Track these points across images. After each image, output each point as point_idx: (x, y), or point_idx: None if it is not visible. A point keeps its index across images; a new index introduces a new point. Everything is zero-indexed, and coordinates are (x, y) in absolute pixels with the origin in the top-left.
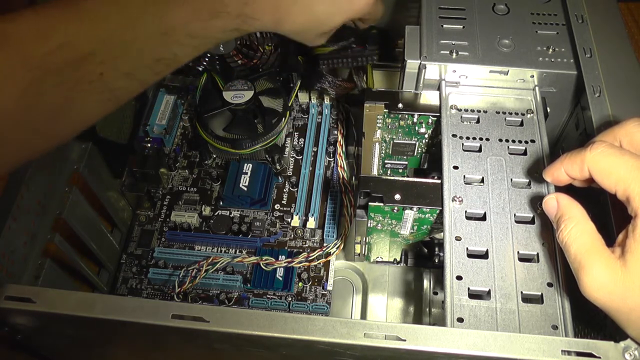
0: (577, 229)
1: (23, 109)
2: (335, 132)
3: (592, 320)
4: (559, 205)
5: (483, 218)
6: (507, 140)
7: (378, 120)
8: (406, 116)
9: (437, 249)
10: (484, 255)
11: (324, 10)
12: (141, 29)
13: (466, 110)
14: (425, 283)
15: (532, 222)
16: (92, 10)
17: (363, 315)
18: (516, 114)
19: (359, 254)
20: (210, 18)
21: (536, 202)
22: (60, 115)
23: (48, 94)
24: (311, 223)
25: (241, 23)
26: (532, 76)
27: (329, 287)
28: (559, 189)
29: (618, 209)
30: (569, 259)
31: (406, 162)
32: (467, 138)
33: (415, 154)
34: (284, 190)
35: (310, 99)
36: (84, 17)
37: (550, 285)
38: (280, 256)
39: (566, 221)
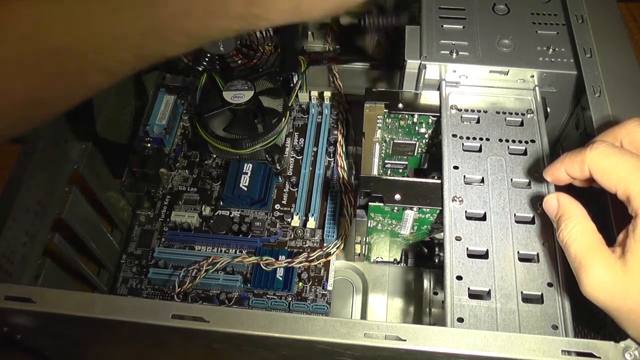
0: (578, 228)
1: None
2: (335, 132)
3: (592, 320)
4: (559, 204)
5: (483, 218)
6: (507, 140)
7: (378, 120)
8: (406, 116)
9: (437, 249)
10: (484, 255)
11: None
12: (129, 24)
13: (466, 110)
14: (425, 283)
15: (532, 222)
16: (75, 3)
17: (363, 315)
18: (516, 114)
19: (359, 254)
20: (206, 15)
21: (536, 202)
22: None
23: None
24: (311, 223)
25: (246, 25)
26: (532, 76)
27: (329, 287)
28: (559, 188)
29: (618, 209)
30: (569, 259)
31: (406, 162)
32: (467, 138)
33: (415, 154)
34: (284, 190)
35: (310, 99)
36: (65, 11)
37: (550, 285)
38: (280, 256)
39: (566, 221)
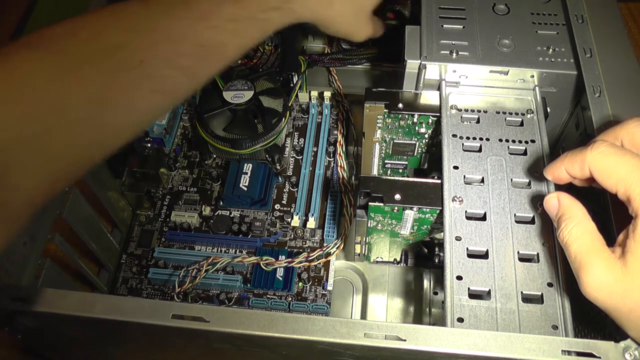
0: (578, 228)
1: (63, 98)
2: (335, 132)
3: (592, 320)
4: (560, 204)
5: (483, 218)
6: (507, 140)
7: (378, 120)
8: (406, 116)
9: (437, 249)
10: (484, 255)
11: None
12: (174, 17)
13: (466, 110)
14: (425, 283)
15: (532, 222)
16: (122, 6)
17: (363, 315)
18: (516, 114)
19: (359, 254)
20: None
21: (536, 202)
22: (106, 106)
23: (86, 81)
24: (311, 223)
25: (282, 1)
26: (532, 76)
27: (329, 287)
28: (559, 187)
29: (619, 209)
30: (569, 258)
31: (406, 162)
32: (467, 138)
33: (415, 154)
34: (284, 190)
35: (310, 99)
36: (115, 12)
37: (550, 285)
38: (280, 256)
39: (567, 220)
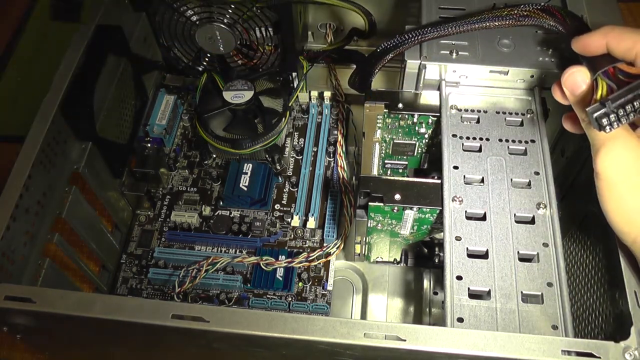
0: None
1: None
2: (335, 132)
3: (592, 320)
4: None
5: (483, 218)
6: (507, 140)
7: (378, 120)
8: (406, 116)
9: (437, 249)
10: (484, 255)
11: None
12: None
13: (466, 110)
14: (425, 283)
15: (532, 222)
16: None
17: (363, 315)
18: (516, 114)
19: (359, 254)
20: None
21: (536, 202)
22: None
23: None
24: (311, 223)
25: None
26: (532, 76)
27: (329, 287)
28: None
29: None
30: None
31: (406, 162)
32: (467, 138)
33: (415, 154)
34: (284, 190)
35: (310, 99)
36: None
37: (550, 285)
38: (280, 256)
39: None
